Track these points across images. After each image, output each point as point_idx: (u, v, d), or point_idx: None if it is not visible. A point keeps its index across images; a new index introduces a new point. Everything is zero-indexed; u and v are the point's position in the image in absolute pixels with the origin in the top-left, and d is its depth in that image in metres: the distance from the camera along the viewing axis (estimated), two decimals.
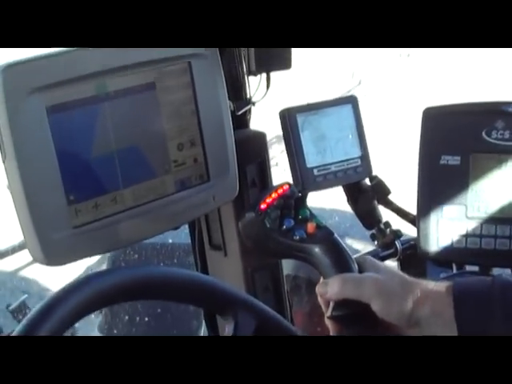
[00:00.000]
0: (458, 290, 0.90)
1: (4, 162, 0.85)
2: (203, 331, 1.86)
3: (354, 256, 0.97)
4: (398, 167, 3.27)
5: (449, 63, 6.58)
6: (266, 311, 0.93)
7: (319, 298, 0.96)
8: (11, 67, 0.84)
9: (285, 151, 1.30)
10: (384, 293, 0.90)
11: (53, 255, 0.90)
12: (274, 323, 0.94)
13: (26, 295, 1.95)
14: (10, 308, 1.83)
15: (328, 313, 0.94)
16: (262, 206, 0.97)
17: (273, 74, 1.25)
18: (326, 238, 0.96)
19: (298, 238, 0.96)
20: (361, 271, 0.95)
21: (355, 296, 0.90)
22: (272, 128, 1.34)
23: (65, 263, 0.92)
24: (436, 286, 0.91)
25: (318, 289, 0.94)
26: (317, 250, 0.95)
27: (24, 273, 3.34)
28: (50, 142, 0.87)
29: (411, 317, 0.89)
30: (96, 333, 1.92)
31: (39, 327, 0.71)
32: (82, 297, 0.76)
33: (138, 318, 1.75)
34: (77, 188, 0.91)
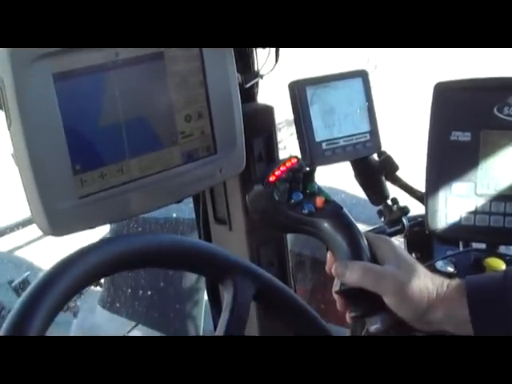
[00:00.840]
0: (471, 290, 0.90)
1: (9, 130, 0.85)
2: (205, 304, 1.87)
3: (364, 231, 0.96)
4: (405, 146, 3.28)
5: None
6: (265, 275, 0.93)
7: (328, 269, 0.97)
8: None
9: (293, 134, 1.30)
10: (401, 293, 0.90)
11: (58, 225, 0.90)
12: (274, 287, 0.94)
13: (29, 272, 1.96)
14: (13, 284, 1.85)
15: (336, 287, 0.94)
16: (271, 179, 0.97)
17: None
18: (335, 212, 0.96)
19: (306, 211, 0.96)
20: (372, 250, 0.95)
21: (372, 288, 0.91)
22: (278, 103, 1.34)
23: (69, 233, 0.92)
24: (450, 285, 0.92)
25: (337, 269, 0.94)
26: (326, 224, 0.95)
27: (28, 249, 3.35)
28: (57, 110, 0.87)
29: (423, 317, 0.90)
30: (97, 306, 1.92)
31: (41, 299, 0.70)
32: (84, 266, 0.76)
33: (140, 292, 1.76)
34: (83, 157, 0.91)
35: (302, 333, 0.98)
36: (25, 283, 1.86)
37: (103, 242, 0.83)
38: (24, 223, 2.97)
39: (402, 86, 5.94)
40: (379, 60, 6.51)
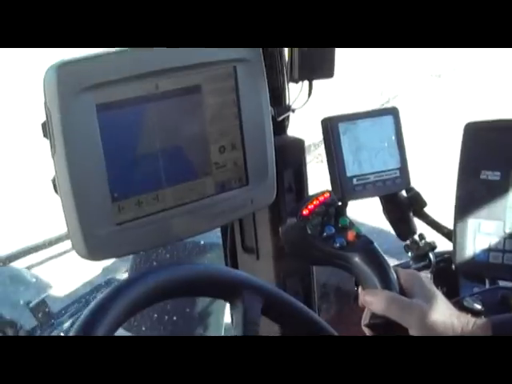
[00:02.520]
0: (497, 329, 0.90)
1: (53, 157, 0.86)
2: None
3: (393, 265, 0.98)
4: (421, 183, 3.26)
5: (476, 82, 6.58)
6: (271, 289, 0.94)
7: (360, 303, 0.97)
8: (65, 65, 0.85)
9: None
10: (426, 327, 0.90)
11: (95, 250, 0.91)
12: (281, 300, 0.95)
13: (47, 294, 1.96)
14: (30, 305, 1.84)
15: (366, 320, 0.96)
16: (305, 212, 0.98)
17: None
18: (366, 246, 0.97)
19: (338, 245, 0.97)
20: (400, 284, 0.96)
21: (397, 319, 0.92)
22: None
23: (106, 258, 0.94)
24: (475, 324, 0.92)
25: (364, 296, 0.95)
26: (356, 258, 0.96)
27: (46, 271, 3.35)
28: (98, 139, 0.89)
29: None
30: (122, 331, 1.92)
31: (95, 326, 0.73)
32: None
33: (166, 317, 1.76)
34: (121, 185, 0.92)
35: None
36: (41, 304, 1.85)
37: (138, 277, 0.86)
38: (43, 245, 2.98)
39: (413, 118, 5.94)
40: (392, 93, 6.53)
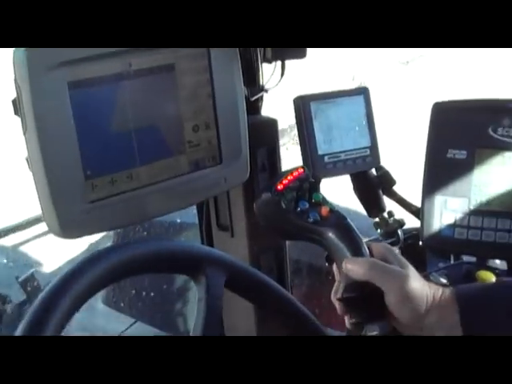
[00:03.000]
0: (462, 297, 0.91)
1: (25, 135, 0.85)
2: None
3: (366, 241, 0.97)
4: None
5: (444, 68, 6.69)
6: (234, 262, 0.91)
7: (336, 275, 0.97)
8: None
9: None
10: (403, 291, 0.90)
11: (68, 228, 0.90)
12: (244, 273, 0.93)
13: (34, 269, 1.96)
14: (20, 280, 1.86)
15: (338, 294, 0.94)
16: (279, 187, 0.97)
17: None
18: (340, 222, 0.97)
19: (312, 220, 0.96)
20: (371, 256, 0.95)
21: (378, 282, 0.91)
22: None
23: (80, 236, 0.92)
24: (443, 293, 0.92)
25: (346, 264, 0.94)
26: (330, 233, 0.96)
27: (33, 247, 3.35)
28: (70, 117, 0.87)
29: (419, 321, 0.90)
30: (100, 305, 1.92)
31: (54, 305, 0.69)
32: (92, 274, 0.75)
33: (144, 293, 1.78)
34: (94, 163, 0.91)
35: (276, 314, 0.97)
36: (30, 279, 1.86)
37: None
38: (29, 223, 2.98)
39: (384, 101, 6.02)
40: (363, 78, 6.63)
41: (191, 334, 0.84)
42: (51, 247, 3.07)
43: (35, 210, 0.93)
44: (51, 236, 0.93)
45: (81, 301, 0.72)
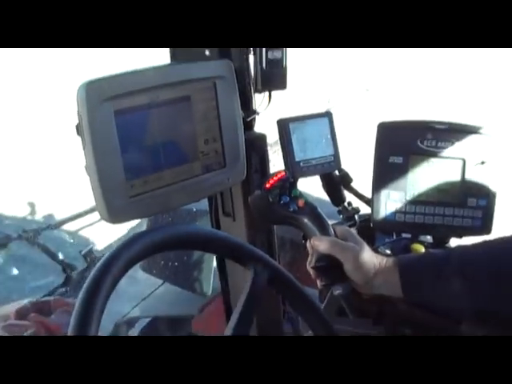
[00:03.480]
0: (401, 263, 0.93)
1: (84, 150, 0.87)
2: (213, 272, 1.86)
3: (330, 224, 0.99)
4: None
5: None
6: (278, 267, 0.87)
7: (309, 250, 0.99)
8: (91, 83, 0.85)
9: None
10: (356, 261, 0.92)
11: (114, 216, 0.91)
12: (283, 276, 0.88)
13: (92, 245, 1.96)
14: (82, 253, 1.85)
15: (312, 263, 0.97)
16: (267, 186, 0.99)
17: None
18: (312, 210, 0.99)
19: (291, 209, 0.99)
20: (336, 236, 0.98)
21: (338, 256, 0.93)
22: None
23: (123, 222, 0.93)
24: (387, 262, 0.94)
25: (314, 241, 0.96)
26: (305, 219, 0.98)
27: (90, 230, 3.34)
28: (115, 136, 0.89)
29: (369, 282, 0.93)
30: (140, 271, 1.90)
31: (117, 260, 0.67)
32: (149, 241, 0.73)
33: (169, 263, 1.77)
34: (132, 169, 0.93)
35: (301, 312, 0.92)
36: (89, 253, 1.86)
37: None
38: (87, 212, 2.96)
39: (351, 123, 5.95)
40: (336, 101, 6.56)
41: (225, 332, 0.77)
42: (103, 230, 3.09)
43: (91, 203, 0.93)
44: (103, 222, 0.94)
45: (134, 261, 0.70)
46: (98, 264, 0.65)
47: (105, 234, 3.13)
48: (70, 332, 0.60)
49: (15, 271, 2.89)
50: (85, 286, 0.63)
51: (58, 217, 3.87)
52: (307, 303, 0.90)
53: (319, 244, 0.96)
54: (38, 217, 4.54)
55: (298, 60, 1.22)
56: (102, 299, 0.62)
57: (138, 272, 1.86)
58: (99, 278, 0.64)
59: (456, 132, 1.27)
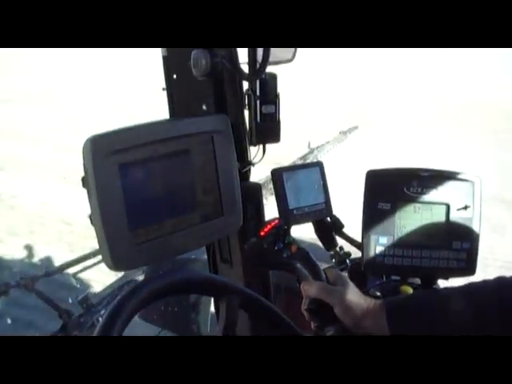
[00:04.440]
0: (388, 306, 0.94)
1: (89, 200, 0.88)
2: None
3: (322, 268, 1.00)
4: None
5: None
6: (246, 291, 0.93)
7: (303, 292, 0.99)
8: (96, 138, 0.87)
9: None
10: (344, 304, 0.93)
11: (118, 264, 0.92)
12: (253, 300, 0.93)
13: (88, 291, 1.94)
14: (78, 299, 1.83)
15: (305, 306, 0.98)
16: (262, 233, 1.01)
17: None
18: (304, 256, 1.01)
19: (285, 255, 1.00)
20: (327, 279, 0.99)
21: (326, 300, 0.95)
22: None
23: (127, 270, 0.96)
24: (375, 304, 0.95)
25: (304, 286, 0.98)
26: (298, 264, 0.99)
27: (86, 275, 3.33)
28: (120, 188, 0.90)
29: (358, 324, 0.93)
30: (138, 320, 1.88)
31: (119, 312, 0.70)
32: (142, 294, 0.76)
33: (169, 308, 1.76)
34: (135, 219, 0.93)
35: (274, 330, 0.96)
36: (85, 298, 1.83)
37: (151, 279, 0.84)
38: (83, 258, 2.95)
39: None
40: (316, 144, 6.71)
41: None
42: (98, 277, 3.07)
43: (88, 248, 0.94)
44: (99, 267, 0.94)
45: (136, 310, 0.73)
46: (111, 305, 0.69)
47: (99, 280, 3.11)
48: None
49: (9, 321, 2.86)
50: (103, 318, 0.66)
51: (57, 262, 3.85)
52: (277, 319, 0.93)
53: (308, 288, 0.97)
54: (36, 260, 4.54)
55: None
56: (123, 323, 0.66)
57: (136, 319, 1.85)
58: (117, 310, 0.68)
59: (440, 178, 1.29)
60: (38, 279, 1.73)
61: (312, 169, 1.32)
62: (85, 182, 0.88)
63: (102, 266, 0.94)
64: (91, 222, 0.90)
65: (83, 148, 0.86)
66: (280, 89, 1.22)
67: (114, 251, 0.90)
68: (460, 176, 1.29)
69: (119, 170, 0.89)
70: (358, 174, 1.45)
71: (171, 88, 1.22)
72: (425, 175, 1.28)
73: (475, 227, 1.28)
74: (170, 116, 1.21)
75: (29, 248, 4.85)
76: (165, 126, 1.01)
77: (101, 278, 3.04)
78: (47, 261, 4.57)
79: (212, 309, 1.74)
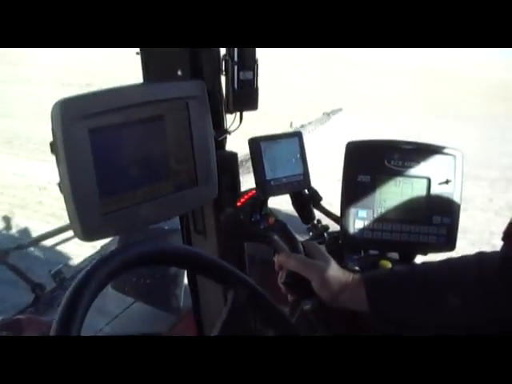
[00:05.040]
0: (367, 280, 0.95)
1: (58, 167, 0.86)
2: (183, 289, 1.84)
3: (300, 241, 1.00)
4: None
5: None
6: (256, 287, 0.88)
7: (276, 265, 0.99)
8: (66, 101, 0.85)
9: None
10: (322, 278, 0.94)
11: (88, 233, 0.91)
12: (260, 297, 0.89)
13: (62, 264, 1.92)
14: (52, 272, 1.81)
15: (282, 279, 0.98)
16: (238, 204, 1.00)
17: None
18: (282, 228, 1.00)
19: (262, 227, 1.00)
20: (306, 253, 0.98)
21: (304, 274, 0.95)
22: None
23: (97, 239, 0.94)
24: (353, 278, 0.95)
25: (281, 258, 0.98)
26: (275, 236, 0.99)
27: (61, 248, 3.31)
28: (90, 154, 0.88)
29: (336, 298, 0.94)
30: (110, 290, 1.87)
31: (92, 278, 0.67)
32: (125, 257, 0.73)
33: (142, 280, 1.75)
34: (106, 186, 0.92)
35: (274, 326, 0.92)
36: (59, 272, 1.82)
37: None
38: (60, 230, 2.93)
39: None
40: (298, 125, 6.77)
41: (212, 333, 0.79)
42: (74, 249, 3.04)
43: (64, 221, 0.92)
44: (76, 240, 0.93)
45: (108, 278, 0.70)
46: (80, 274, 0.66)
47: (76, 254, 3.10)
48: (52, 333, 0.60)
49: None
50: (66, 294, 0.64)
51: (33, 233, 3.81)
52: (283, 321, 0.90)
53: (286, 261, 0.97)
54: (13, 232, 4.49)
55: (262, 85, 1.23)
56: (86, 302, 0.64)
57: (108, 290, 1.83)
58: (82, 285, 0.65)
59: (421, 152, 1.30)
60: (9, 252, 1.70)
61: (291, 139, 1.31)
62: (53, 147, 0.86)
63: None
64: (60, 190, 0.88)
65: (52, 112, 0.84)
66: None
67: (83, 220, 0.88)
68: (442, 150, 1.30)
69: (89, 134, 0.87)
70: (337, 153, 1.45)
71: (145, 53, 1.19)
72: (406, 148, 1.29)
73: (456, 202, 1.29)
74: (144, 80, 1.18)
75: (6, 220, 4.79)
76: (138, 90, 0.99)
77: (79, 251, 3.02)
78: (24, 233, 4.52)
79: (185, 281, 1.74)
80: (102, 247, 2.20)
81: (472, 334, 0.84)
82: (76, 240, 0.94)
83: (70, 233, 0.91)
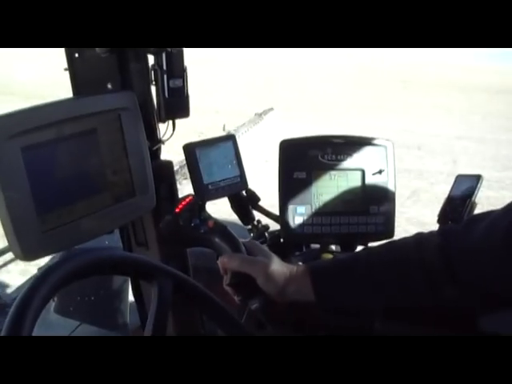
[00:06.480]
0: (312, 269, 0.97)
1: None
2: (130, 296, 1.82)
3: (242, 241, 1.03)
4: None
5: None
6: (180, 275, 0.91)
7: (221, 269, 1.01)
8: None
9: None
10: (266, 274, 0.95)
11: (28, 253, 0.90)
12: (186, 283, 0.91)
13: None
14: None
15: (227, 281, 1.01)
16: (177, 210, 1.02)
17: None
18: (222, 230, 1.02)
19: (202, 231, 1.01)
20: (248, 252, 1.01)
21: (248, 271, 0.96)
22: None
23: (37, 258, 0.93)
24: (298, 269, 0.97)
25: (223, 259, 0.99)
26: (217, 239, 1.01)
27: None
28: (24, 171, 0.88)
29: (282, 292, 0.95)
30: (53, 314, 1.84)
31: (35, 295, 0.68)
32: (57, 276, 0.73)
33: (86, 298, 1.73)
34: (43, 203, 0.92)
35: (209, 315, 0.96)
36: None
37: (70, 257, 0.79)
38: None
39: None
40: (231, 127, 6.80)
41: (145, 333, 0.80)
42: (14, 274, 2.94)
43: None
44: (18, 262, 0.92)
45: (47, 300, 0.70)
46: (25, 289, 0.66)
47: (13, 278, 3.00)
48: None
49: None
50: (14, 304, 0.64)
51: None
52: (214, 305, 0.93)
53: (229, 261, 0.99)
54: None
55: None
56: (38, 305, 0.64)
57: (51, 316, 1.80)
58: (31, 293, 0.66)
59: (354, 145, 1.35)
60: None
61: (225, 143, 1.34)
62: None
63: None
64: None
65: None
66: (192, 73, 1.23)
67: (22, 240, 0.88)
68: (373, 141, 1.36)
69: (22, 153, 0.88)
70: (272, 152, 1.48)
71: (73, 67, 1.20)
72: (338, 142, 1.34)
73: (391, 190, 1.35)
74: (74, 95, 1.18)
75: None
76: (68, 104, 1.00)
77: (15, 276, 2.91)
78: None
79: (131, 297, 1.74)
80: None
81: (418, 315, 0.90)
82: (7, 268, 0.92)
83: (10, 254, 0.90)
